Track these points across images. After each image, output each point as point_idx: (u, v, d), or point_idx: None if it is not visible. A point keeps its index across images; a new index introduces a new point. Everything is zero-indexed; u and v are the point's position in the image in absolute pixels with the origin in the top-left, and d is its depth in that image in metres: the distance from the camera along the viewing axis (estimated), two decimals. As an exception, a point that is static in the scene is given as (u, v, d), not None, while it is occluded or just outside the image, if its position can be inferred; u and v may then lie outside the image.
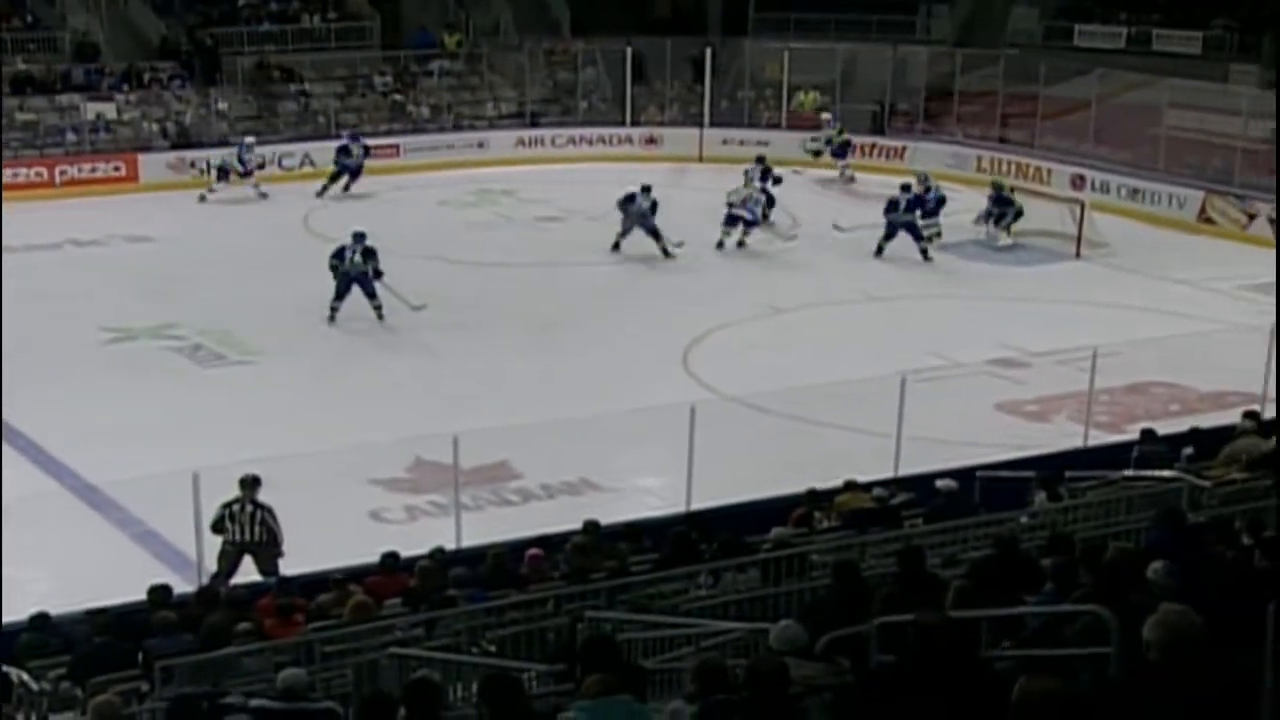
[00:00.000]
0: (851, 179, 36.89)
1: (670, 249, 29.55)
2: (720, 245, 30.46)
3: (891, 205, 30.31)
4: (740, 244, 30.42)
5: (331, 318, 25.33)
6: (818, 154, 37.71)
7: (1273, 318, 19.53)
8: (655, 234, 29.63)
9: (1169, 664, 5.92)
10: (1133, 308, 26.10)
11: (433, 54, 42.00)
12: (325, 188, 34.87)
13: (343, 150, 35.52)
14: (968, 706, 6.26)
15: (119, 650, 12.39)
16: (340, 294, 25.43)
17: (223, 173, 34.57)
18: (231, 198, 34.04)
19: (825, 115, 38.10)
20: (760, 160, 33.18)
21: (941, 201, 31.06)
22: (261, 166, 35.18)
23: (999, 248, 30.77)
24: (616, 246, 30.05)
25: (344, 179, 35.25)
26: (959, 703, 6.30)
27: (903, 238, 29.90)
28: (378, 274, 25.41)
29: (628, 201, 29.84)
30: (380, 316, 25.35)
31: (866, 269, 29.09)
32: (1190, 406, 21.28)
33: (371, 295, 25.38)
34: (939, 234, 30.50)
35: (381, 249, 25.48)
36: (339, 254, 25.66)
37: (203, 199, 34.16)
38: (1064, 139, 37.32)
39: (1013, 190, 32.12)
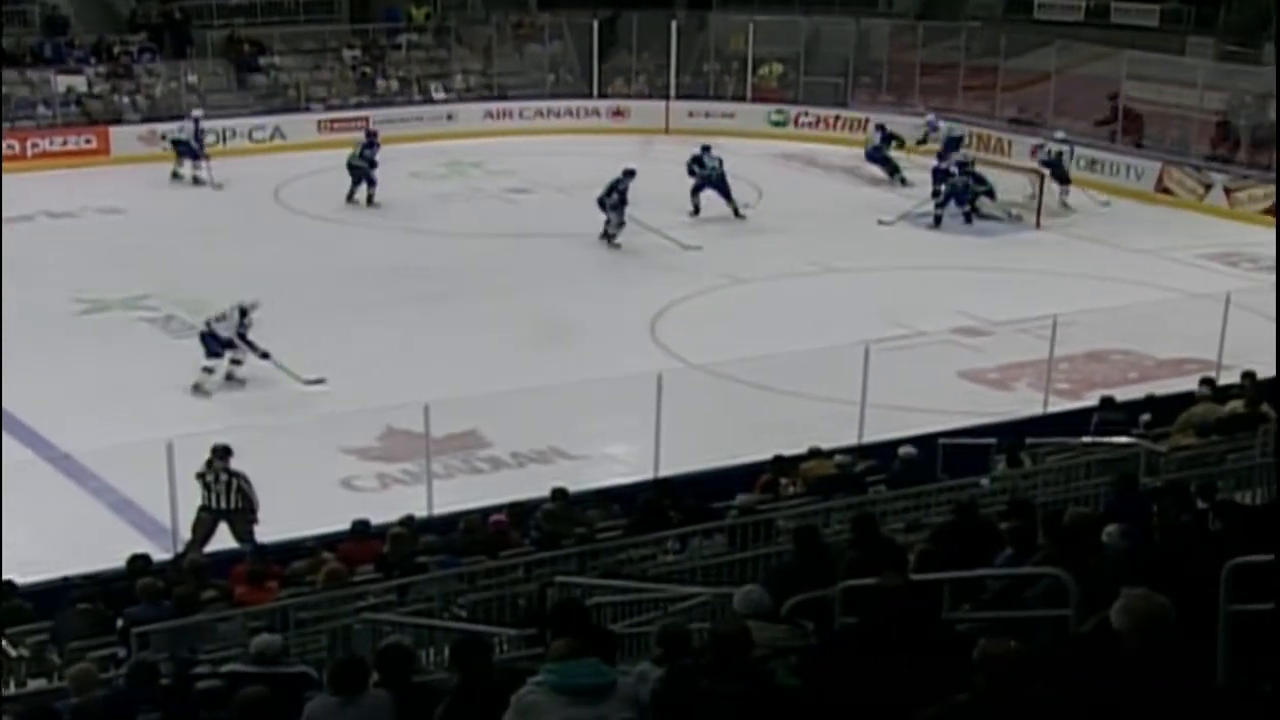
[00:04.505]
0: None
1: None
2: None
3: (942, 173, 31.02)
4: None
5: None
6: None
7: (1226, 286, 19.76)
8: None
9: (1141, 650, 5.90)
10: (1092, 277, 26.31)
11: (401, 27, 42.01)
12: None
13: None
14: (930, 667, 6.33)
15: (100, 617, 12.59)
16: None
17: (186, 148, 33.54)
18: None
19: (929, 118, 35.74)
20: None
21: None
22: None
23: (1010, 219, 30.98)
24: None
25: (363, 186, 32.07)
26: (922, 663, 6.37)
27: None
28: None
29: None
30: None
31: (824, 241, 29.19)
32: (1148, 374, 21.54)
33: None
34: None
35: (354, 221, 25.58)
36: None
37: (176, 176, 33.58)
38: (1024, 111, 37.52)
39: (973, 164, 32.30)
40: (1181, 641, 5.94)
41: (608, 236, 28.65)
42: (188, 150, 33.47)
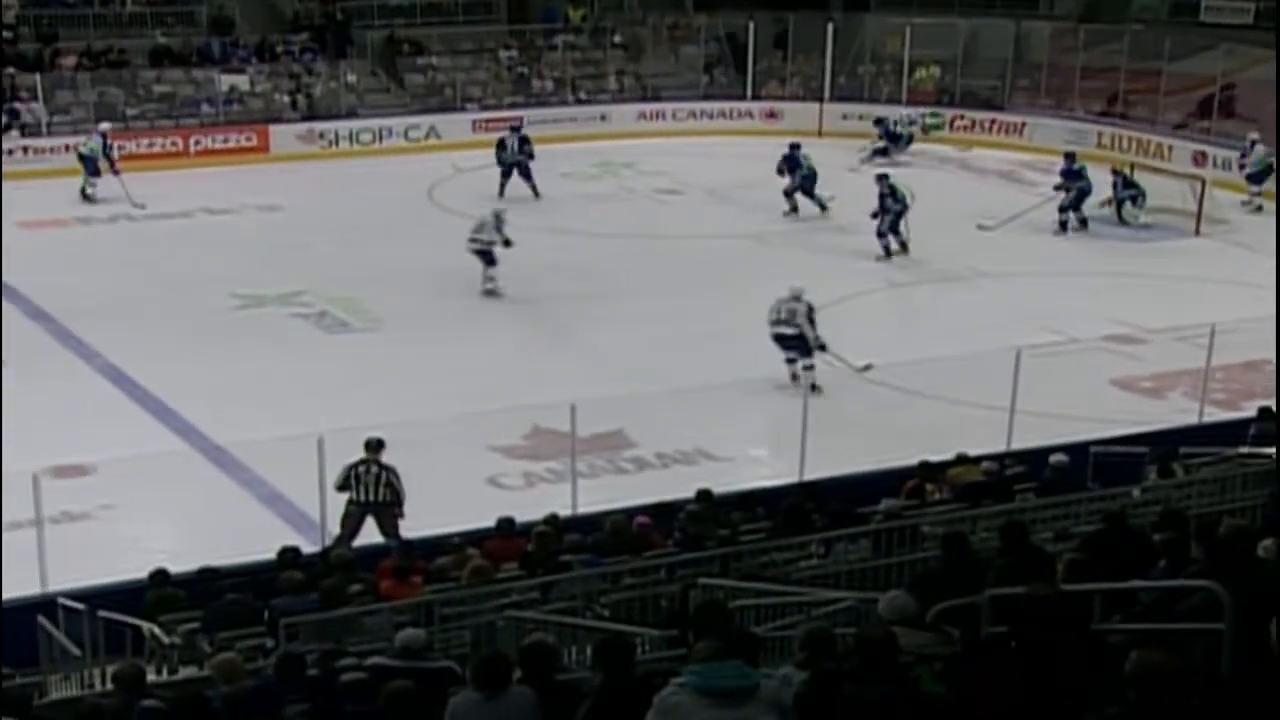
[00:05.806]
0: (1259, 208, 32.28)
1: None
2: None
3: (1073, 173, 30.35)
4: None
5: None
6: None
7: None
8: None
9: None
10: (1252, 285, 25.76)
11: (557, 28, 42.30)
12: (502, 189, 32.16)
13: (498, 145, 32.84)
14: (1079, 677, 6.29)
15: (249, 608, 12.77)
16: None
17: (90, 164, 31.60)
18: (110, 194, 31.43)
19: (1253, 135, 33.21)
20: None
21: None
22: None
23: (1138, 225, 30.47)
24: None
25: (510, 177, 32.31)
26: (1071, 674, 6.34)
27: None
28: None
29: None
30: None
31: (976, 245, 28.92)
32: (1309, 385, 21.10)
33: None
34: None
35: (510, 221, 25.71)
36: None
37: (87, 198, 31.52)
38: (1186, 115, 36.89)
39: (1133, 169, 31.81)
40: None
41: (888, 250, 28.03)
42: (92, 166, 31.69)
